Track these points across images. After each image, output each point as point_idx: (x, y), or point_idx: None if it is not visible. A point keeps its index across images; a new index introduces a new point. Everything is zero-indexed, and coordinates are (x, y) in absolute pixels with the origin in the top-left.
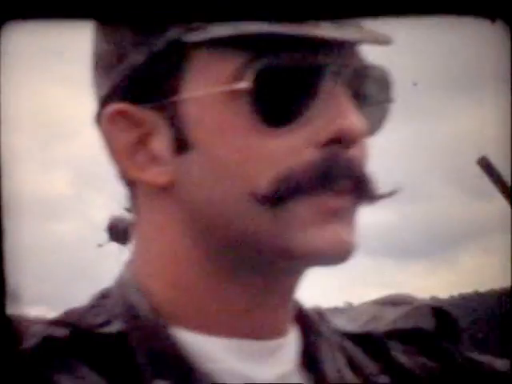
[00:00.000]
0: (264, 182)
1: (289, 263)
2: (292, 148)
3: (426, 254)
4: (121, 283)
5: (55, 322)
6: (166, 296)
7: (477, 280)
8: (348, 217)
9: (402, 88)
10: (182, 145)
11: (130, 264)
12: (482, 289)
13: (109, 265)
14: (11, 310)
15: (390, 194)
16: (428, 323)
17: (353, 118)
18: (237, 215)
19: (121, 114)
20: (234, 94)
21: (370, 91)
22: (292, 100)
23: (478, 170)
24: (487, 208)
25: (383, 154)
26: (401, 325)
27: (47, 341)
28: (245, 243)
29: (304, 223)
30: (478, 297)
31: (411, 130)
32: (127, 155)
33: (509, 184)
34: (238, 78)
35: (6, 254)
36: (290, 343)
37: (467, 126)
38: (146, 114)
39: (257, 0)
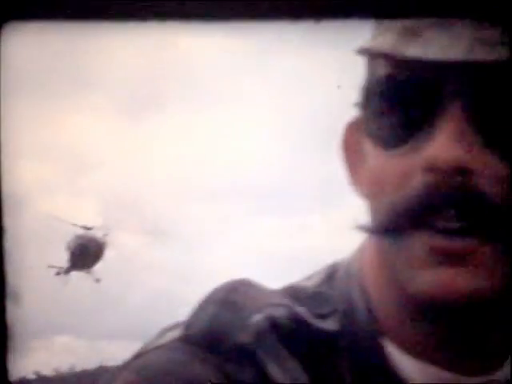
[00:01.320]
0: (373, 210)
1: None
2: (403, 172)
3: None
4: (348, 272)
5: (277, 302)
6: (380, 306)
7: None
8: (469, 261)
9: None
10: None
11: (359, 254)
12: None
13: (136, 294)
14: (11, 310)
15: None
16: None
17: (444, 146)
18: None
19: None
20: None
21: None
22: (404, 122)
23: None
24: None
25: None
26: None
27: (269, 320)
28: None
29: (417, 261)
30: None
31: None
32: None
33: None
34: None
35: (6, 254)
36: (500, 380)
37: None
38: None
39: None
